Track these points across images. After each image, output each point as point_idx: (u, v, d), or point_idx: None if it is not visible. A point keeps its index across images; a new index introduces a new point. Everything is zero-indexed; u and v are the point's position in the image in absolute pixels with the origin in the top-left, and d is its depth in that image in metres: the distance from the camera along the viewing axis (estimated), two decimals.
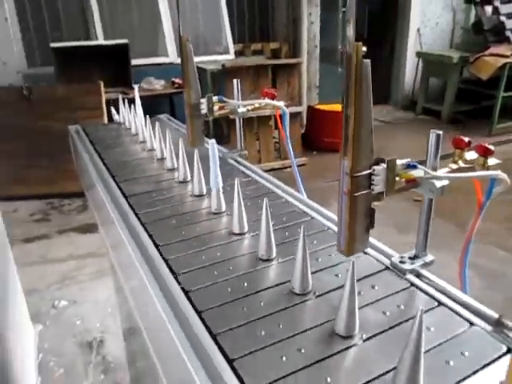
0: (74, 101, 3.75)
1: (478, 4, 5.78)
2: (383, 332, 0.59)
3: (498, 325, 0.61)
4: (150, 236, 0.84)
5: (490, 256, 2.94)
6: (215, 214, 0.94)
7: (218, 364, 0.52)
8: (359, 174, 0.61)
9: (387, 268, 0.75)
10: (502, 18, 5.60)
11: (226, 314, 0.62)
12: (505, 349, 0.57)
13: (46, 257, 2.93)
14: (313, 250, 0.79)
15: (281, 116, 1.25)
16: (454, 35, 6.62)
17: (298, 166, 1.95)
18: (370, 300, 0.66)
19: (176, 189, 1.08)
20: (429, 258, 0.75)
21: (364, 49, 0.59)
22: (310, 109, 5.06)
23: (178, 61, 4.60)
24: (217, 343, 0.56)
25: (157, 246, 0.80)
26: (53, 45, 3.99)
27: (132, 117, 1.61)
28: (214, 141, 0.91)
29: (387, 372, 0.52)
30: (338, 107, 4.93)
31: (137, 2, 4.82)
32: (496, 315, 0.61)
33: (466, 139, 0.74)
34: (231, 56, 5.08)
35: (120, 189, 1.08)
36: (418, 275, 0.73)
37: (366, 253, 0.79)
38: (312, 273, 0.69)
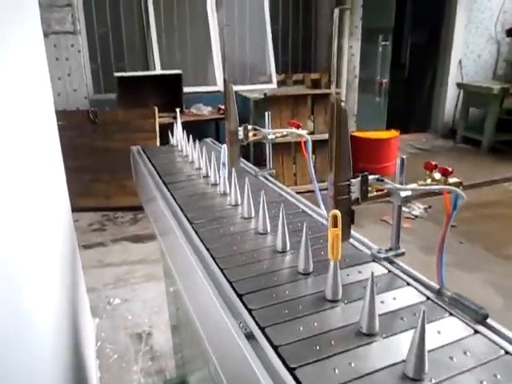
0: (132, 124, 4.21)
1: None
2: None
3: (439, 294, 0.85)
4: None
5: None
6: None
7: None
8: (341, 184, 0.88)
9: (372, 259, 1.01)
10: None
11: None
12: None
13: (103, 261, 3.31)
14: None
15: (305, 143, 1.51)
16: (498, 67, 6.71)
17: None
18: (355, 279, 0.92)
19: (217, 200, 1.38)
20: (400, 250, 1.01)
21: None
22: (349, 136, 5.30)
23: None
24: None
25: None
26: (117, 74, 4.50)
27: (184, 141, 1.93)
28: (225, 145, 1.35)
29: None
30: (375, 135, 5.16)
31: (191, 36, 5.32)
32: (438, 286, 0.86)
33: (434, 162, 0.99)
34: (274, 85, 5.45)
35: (172, 196, 1.40)
36: (391, 262, 0.99)
37: (354, 246, 1.05)
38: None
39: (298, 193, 1.45)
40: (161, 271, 3.03)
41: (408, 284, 0.90)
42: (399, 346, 0.70)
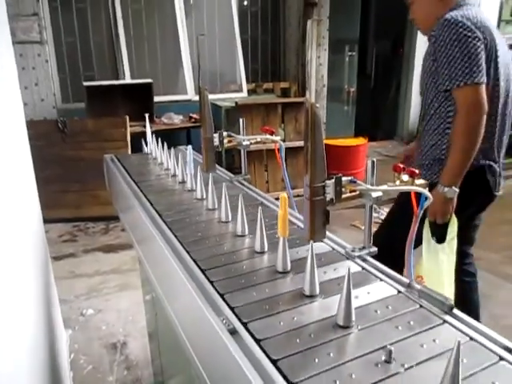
0: (102, 133, 4.17)
1: None
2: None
3: (409, 287, 0.91)
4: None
5: (484, 280, 3.17)
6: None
7: None
8: (316, 185, 0.93)
9: (346, 257, 1.05)
10: None
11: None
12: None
13: (74, 272, 3.26)
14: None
15: (279, 149, 1.56)
16: None
17: None
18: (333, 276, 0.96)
19: (196, 204, 1.41)
20: (373, 248, 1.06)
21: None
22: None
23: (195, 98, 5.05)
24: None
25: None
26: (85, 83, 4.46)
27: (159, 148, 1.95)
28: (190, 146, 1.42)
29: None
30: (344, 142, 5.28)
31: (161, 45, 5.33)
32: (407, 280, 0.91)
33: (401, 165, 1.05)
34: (244, 94, 5.52)
35: (149, 201, 1.41)
36: (364, 260, 1.04)
37: (331, 247, 1.10)
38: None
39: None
40: (134, 280, 3.02)
41: (380, 279, 0.95)
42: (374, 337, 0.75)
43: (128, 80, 4.94)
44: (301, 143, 4.60)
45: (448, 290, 1.91)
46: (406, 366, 0.68)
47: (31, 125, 3.99)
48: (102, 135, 4.14)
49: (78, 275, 3.22)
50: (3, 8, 2.04)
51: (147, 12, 5.22)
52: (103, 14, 5.02)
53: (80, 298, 2.90)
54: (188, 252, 1.06)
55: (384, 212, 4.36)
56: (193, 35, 5.34)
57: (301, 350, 0.72)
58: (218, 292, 0.88)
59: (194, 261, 1.02)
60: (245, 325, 0.78)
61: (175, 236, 1.15)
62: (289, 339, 0.75)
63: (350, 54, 6.13)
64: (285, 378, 0.66)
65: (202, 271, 0.97)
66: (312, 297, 0.87)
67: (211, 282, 0.92)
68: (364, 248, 1.06)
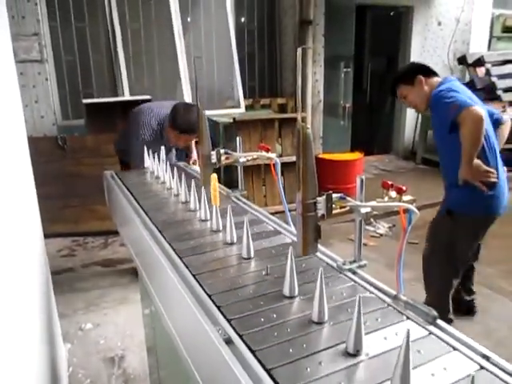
0: (101, 149, 4.22)
1: (470, 66, 6.30)
2: None
3: (395, 298, 0.95)
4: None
5: (478, 293, 3.21)
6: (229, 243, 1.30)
7: None
8: (308, 201, 0.98)
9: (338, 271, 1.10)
10: (493, 79, 6.09)
11: None
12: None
13: (73, 287, 3.28)
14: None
15: (274, 165, 1.61)
16: None
17: None
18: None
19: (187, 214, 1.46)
20: (363, 262, 1.11)
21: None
22: (315, 158, 5.48)
23: None
24: None
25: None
26: (85, 101, 4.53)
27: (156, 164, 2.00)
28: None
29: None
30: (340, 156, 5.36)
31: (159, 62, 5.42)
32: (394, 292, 0.96)
33: (390, 182, 1.11)
34: (242, 109, 5.60)
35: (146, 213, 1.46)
36: (354, 272, 1.08)
37: (321, 260, 1.14)
38: None
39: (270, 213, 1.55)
40: (132, 295, 3.05)
41: (369, 292, 0.99)
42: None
43: (127, 97, 5.01)
44: None
45: None
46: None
47: (31, 141, 4.04)
48: (101, 151, 4.19)
49: (76, 289, 3.24)
50: (7, 29, 2.11)
51: (145, 30, 5.33)
52: (102, 32, 5.11)
53: (78, 313, 2.93)
54: (187, 266, 1.10)
55: (380, 226, 4.41)
56: (191, 52, 5.44)
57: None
58: (215, 304, 0.92)
59: (193, 275, 1.06)
60: (240, 336, 0.82)
61: (173, 250, 1.19)
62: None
63: (345, 70, 6.24)
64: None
65: (200, 284, 1.01)
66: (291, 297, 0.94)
67: (209, 296, 0.97)
68: (354, 261, 1.11)
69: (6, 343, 0.94)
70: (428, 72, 2.55)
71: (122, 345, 2.57)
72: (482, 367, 0.74)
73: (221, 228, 1.32)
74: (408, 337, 0.66)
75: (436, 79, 2.53)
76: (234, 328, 0.84)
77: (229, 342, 0.80)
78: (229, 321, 0.87)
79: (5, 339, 0.93)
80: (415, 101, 2.58)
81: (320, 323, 0.86)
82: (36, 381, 1.30)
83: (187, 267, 1.10)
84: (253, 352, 0.78)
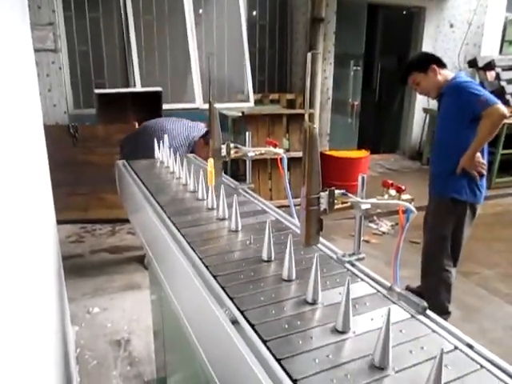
0: (111, 139, 4.30)
1: (480, 69, 6.31)
2: None
3: (390, 289, 1.02)
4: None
5: (475, 294, 3.28)
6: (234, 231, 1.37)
7: None
8: (311, 196, 1.04)
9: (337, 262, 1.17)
10: (503, 83, 6.10)
11: None
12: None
13: (81, 272, 3.38)
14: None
15: (281, 160, 1.67)
16: None
17: None
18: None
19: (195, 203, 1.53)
20: (362, 255, 1.17)
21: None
22: (321, 155, 5.54)
23: (203, 106, 5.20)
24: None
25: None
26: (96, 91, 4.61)
27: (166, 155, 2.07)
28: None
29: None
30: (347, 154, 5.41)
31: (171, 55, 5.49)
32: (389, 284, 1.03)
33: (390, 181, 1.17)
34: (251, 104, 5.66)
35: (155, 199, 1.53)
36: (353, 265, 1.15)
37: (323, 252, 1.21)
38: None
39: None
40: (139, 281, 3.15)
41: (367, 282, 1.07)
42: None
43: (138, 88, 5.09)
44: None
45: None
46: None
47: (44, 129, 4.16)
48: (111, 141, 4.26)
49: (84, 275, 3.33)
50: (27, 19, 2.19)
51: (158, 22, 5.39)
52: (115, 23, 5.18)
53: (86, 297, 3.02)
54: (195, 251, 1.18)
55: (383, 224, 4.47)
56: (202, 45, 5.50)
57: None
58: (221, 286, 1.00)
59: (201, 259, 1.14)
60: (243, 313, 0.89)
61: (183, 236, 1.27)
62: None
63: (355, 68, 6.27)
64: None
65: (209, 270, 1.09)
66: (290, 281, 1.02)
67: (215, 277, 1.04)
68: (353, 254, 1.18)
69: (30, 321, 1.02)
70: (440, 62, 2.71)
71: (128, 329, 2.66)
72: (455, 348, 0.81)
73: (227, 216, 1.39)
74: (389, 315, 0.73)
75: (447, 71, 2.72)
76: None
77: (234, 322, 0.87)
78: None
79: (29, 317, 1.01)
80: (427, 88, 2.73)
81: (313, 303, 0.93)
82: (54, 356, 1.38)
83: (195, 251, 1.17)
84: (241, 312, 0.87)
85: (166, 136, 2.21)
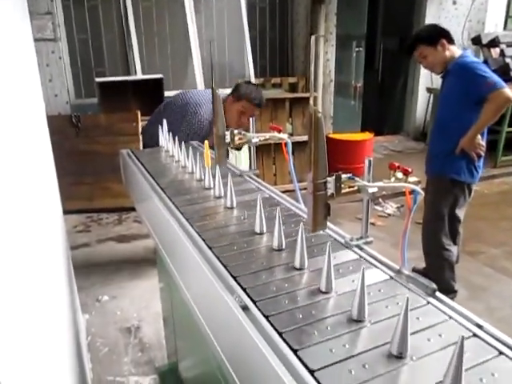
0: (114, 127, 4.30)
1: (484, 46, 6.22)
2: None
3: (398, 272, 1.02)
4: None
5: (482, 273, 3.29)
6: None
7: None
8: (318, 181, 1.04)
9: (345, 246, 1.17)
10: (508, 60, 6.01)
11: None
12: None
13: (89, 261, 3.41)
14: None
15: (286, 145, 1.66)
16: None
17: None
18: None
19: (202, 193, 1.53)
20: (369, 238, 1.18)
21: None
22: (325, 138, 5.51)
23: None
24: None
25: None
26: (97, 79, 4.58)
27: (171, 143, 2.06)
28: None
29: None
30: (350, 136, 5.37)
31: (171, 41, 5.44)
32: (397, 267, 1.03)
33: (397, 164, 1.16)
34: None
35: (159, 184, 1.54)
36: (361, 248, 1.16)
37: (331, 236, 1.21)
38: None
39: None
40: (147, 269, 3.17)
41: (375, 266, 1.07)
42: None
43: (139, 75, 5.05)
44: None
45: None
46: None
47: (46, 120, 4.15)
48: (113, 130, 4.26)
49: (92, 264, 3.36)
50: (25, 7, 2.17)
51: (157, 8, 5.33)
52: (114, 10, 5.13)
53: (95, 286, 3.05)
54: (204, 240, 1.18)
55: (389, 206, 4.46)
56: (202, 29, 5.44)
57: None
58: (231, 274, 1.00)
59: (209, 247, 1.14)
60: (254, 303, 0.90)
61: (191, 225, 1.27)
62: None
63: (357, 49, 6.19)
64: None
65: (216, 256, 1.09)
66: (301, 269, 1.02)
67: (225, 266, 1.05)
68: (361, 238, 1.18)
69: (43, 311, 1.04)
70: (449, 37, 2.65)
71: (138, 316, 2.69)
72: (474, 335, 0.81)
73: (235, 205, 1.39)
74: (407, 303, 0.73)
75: (455, 47, 2.67)
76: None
77: (245, 308, 0.88)
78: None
79: (42, 307, 1.02)
80: (434, 62, 2.68)
81: (326, 292, 0.94)
82: (67, 344, 1.41)
83: (204, 240, 1.18)
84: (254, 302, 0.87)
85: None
